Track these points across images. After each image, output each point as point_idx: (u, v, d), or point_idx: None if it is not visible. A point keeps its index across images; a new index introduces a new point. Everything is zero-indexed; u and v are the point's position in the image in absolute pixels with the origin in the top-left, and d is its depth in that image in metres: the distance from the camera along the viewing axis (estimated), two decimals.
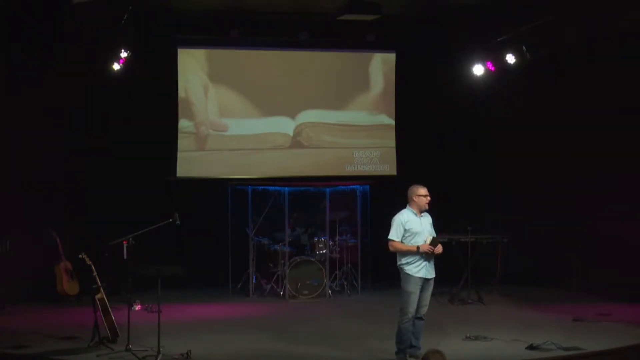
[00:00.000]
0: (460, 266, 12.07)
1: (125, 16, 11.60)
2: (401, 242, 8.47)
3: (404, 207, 8.62)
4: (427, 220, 8.64)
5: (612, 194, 12.05)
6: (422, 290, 8.49)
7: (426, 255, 8.44)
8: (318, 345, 9.33)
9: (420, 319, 8.56)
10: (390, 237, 8.52)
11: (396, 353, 8.53)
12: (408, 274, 8.42)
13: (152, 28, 12.63)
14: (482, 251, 12.13)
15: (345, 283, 12.84)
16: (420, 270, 8.43)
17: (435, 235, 8.55)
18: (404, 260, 8.47)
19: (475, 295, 11.94)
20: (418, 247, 8.40)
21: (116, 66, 12.23)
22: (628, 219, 11.74)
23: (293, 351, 9.11)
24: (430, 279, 8.53)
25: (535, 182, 13.22)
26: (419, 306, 8.49)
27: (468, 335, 9.51)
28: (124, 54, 12.12)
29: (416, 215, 8.53)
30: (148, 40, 12.62)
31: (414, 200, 8.56)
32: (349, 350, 9.06)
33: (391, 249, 8.54)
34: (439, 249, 8.47)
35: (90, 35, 11.84)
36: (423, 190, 8.56)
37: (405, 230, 8.47)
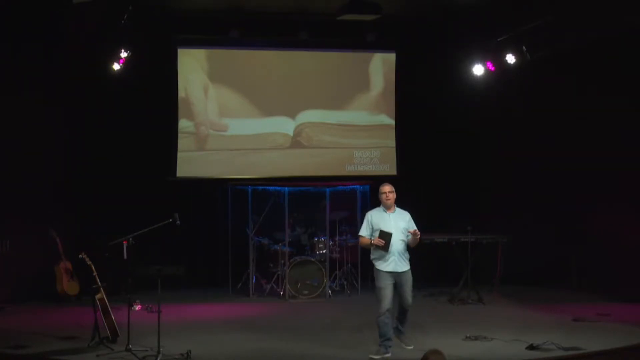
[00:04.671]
0: (460, 266, 12.07)
1: (125, 16, 11.61)
2: (370, 238, 8.69)
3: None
4: (400, 217, 8.78)
5: (612, 193, 12.05)
6: (400, 285, 8.68)
7: (397, 251, 8.60)
8: (318, 345, 9.32)
9: (405, 310, 8.78)
10: (360, 233, 8.87)
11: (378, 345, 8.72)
12: (377, 269, 8.70)
13: (152, 28, 12.63)
14: (482, 251, 12.12)
15: (345, 283, 12.84)
16: (388, 265, 8.65)
17: (411, 230, 8.64)
18: (372, 256, 8.75)
19: (475, 295, 11.93)
20: (372, 241, 8.64)
21: (116, 66, 12.24)
22: (628, 219, 11.73)
23: (293, 351, 9.11)
24: (403, 272, 8.69)
25: (535, 182, 13.22)
26: (400, 300, 8.70)
27: (468, 335, 9.50)
28: (124, 54, 12.14)
29: (386, 212, 8.71)
30: (148, 40, 12.62)
31: (380, 198, 8.80)
32: (349, 350, 9.06)
33: (360, 244, 9.04)
34: (379, 241, 8.53)
35: (90, 35, 11.85)
36: (383, 188, 8.80)
37: (372, 227, 8.71)
